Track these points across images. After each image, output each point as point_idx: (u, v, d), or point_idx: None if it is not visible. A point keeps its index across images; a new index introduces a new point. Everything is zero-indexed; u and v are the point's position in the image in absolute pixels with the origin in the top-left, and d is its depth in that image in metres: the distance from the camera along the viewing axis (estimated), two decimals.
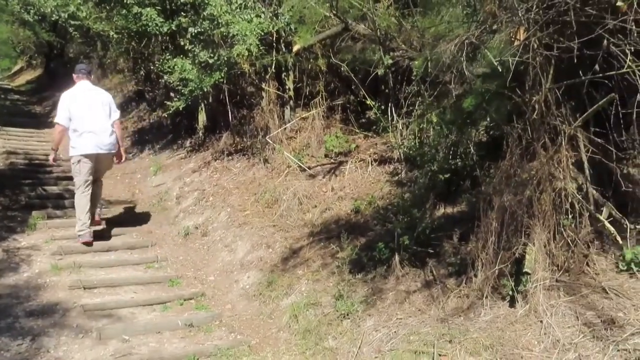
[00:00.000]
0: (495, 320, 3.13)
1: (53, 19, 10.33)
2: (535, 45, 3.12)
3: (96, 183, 5.48)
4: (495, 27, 3.53)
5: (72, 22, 8.89)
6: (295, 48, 5.73)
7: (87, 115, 5.18)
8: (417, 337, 3.23)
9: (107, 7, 7.40)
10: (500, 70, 3.35)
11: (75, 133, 5.18)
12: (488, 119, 4.13)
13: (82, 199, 5.22)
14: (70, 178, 7.31)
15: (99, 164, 5.35)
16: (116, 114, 5.48)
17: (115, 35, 7.64)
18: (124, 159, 5.75)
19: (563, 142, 3.16)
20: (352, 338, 3.48)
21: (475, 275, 3.37)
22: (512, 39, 3.52)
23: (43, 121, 12.36)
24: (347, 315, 3.66)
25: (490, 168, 3.94)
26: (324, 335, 3.61)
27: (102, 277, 4.84)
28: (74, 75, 5.47)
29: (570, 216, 3.17)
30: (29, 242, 5.47)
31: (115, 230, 5.97)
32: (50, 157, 5.64)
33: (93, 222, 5.44)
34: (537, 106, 3.17)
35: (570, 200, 3.15)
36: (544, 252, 3.17)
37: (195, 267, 5.19)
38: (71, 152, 5.23)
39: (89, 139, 5.16)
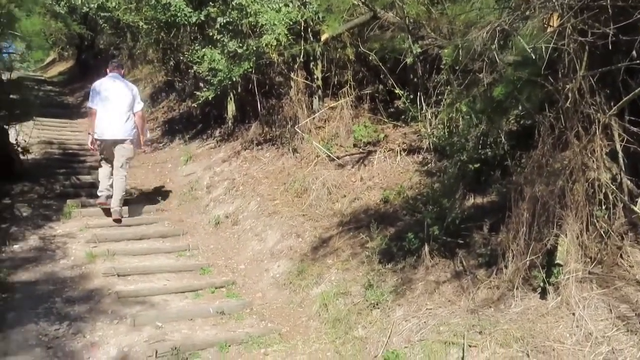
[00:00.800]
0: (526, 312, 3.10)
1: (83, 11, 10.56)
2: (570, 32, 3.03)
3: (118, 172, 5.79)
4: (527, 13, 3.44)
5: (102, 14, 9.08)
6: (324, 37, 5.70)
7: (108, 103, 5.70)
8: (446, 328, 3.23)
9: None
10: (532, 57, 3.27)
11: (98, 117, 5.71)
12: (519, 108, 4.05)
13: (102, 170, 5.97)
14: None
15: (114, 149, 5.78)
16: (139, 105, 5.90)
17: (144, 26, 7.75)
18: (142, 147, 6.18)
19: (597, 131, 3.08)
20: (382, 328, 3.49)
21: (506, 267, 3.34)
22: (545, 26, 3.43)
23: (75, 111, 12.68)
24: (377, 304, 3.68)
25: (521, 158, 3.87)
26: (353, 325, 3.64)
27: (136, 264, 4.98)
28: (108, 68, 6.01)
29: (603, 207, 3.10)
30: (64, 230, 5.65)
31: (147, 219, 6.12)
32: (88, 141, 6.02)
33: (114, 217, 5.83)
34: (570, 94, 3.10)
35: (604, 190, 3.08)
36: (577, 243, 3.12)
37: (225, 256, 5.28)
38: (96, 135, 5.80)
39: (105, 126, 5.69)
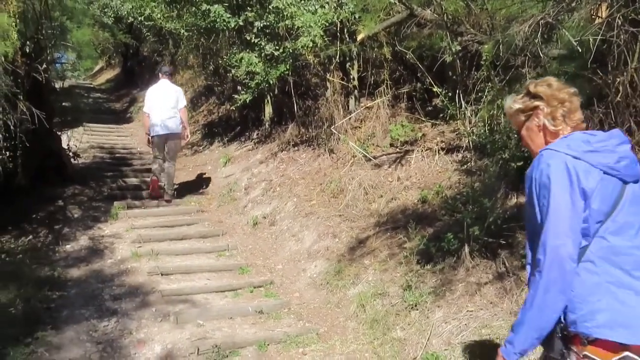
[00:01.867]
0: None
1: (129, 21, 10.97)
2: (620, 22, 2.90)
3: (169, 162, 6.72)
4: (573, 4, 3.32)
5: (146, 23, 9.39)
6: (360, 37, 5.68)
7: (159, 106, 6.57)
8: (489, 331, 3.15)
9: (178, 6, 7.71)
10: (579, 50, 3.15)
11: (151, 119, 6.59)
12: None
13: (154, 164, 6.83)
14: (147, 170, 7.95)
15: (167, 142, 6.66)
16: (182, 103, 6.78)
17: (185, 33, 7.96)
18: (187, 137, 7.10)
19: None
20: (421, 329, 3.44)
21: None
22: (593, 17, 3.30)
23: (122, 117, 13.17)
24: (415, 306, 3.63)
25: None
26: (391, 326, 3.60)
27: (178, 264, 5.11)
28: (159, 74, 6.93)
29: None
30: (112, 230, 5.87)
31: (188, 219, 6.27)
32: (146, 139, 6.91)
33: (165, 197, 6.75)
34: (621, 88, 2.96)
35: None
36: None
37: (263, 256, 5.34)
38: (150, 133, 6.69)
39: (159, 124, 6.55)
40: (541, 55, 3.52)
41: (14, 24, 4.85)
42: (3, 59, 4.82)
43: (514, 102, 1.87)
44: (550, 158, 1.66)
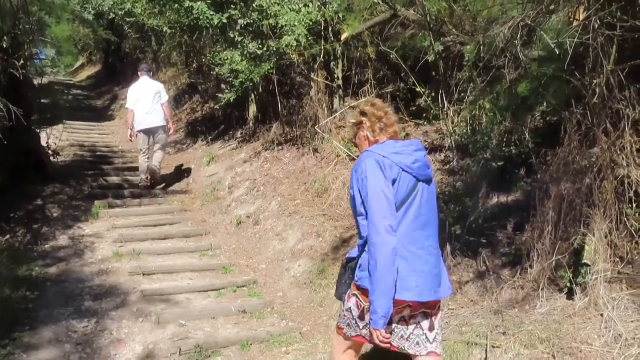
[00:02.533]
0: (551, 313, 3.03)
1: (110, 16, 10.81)
2: (596, 25, 2.95)
3: (156, 152, 7.08)
4: (552, 7, 3.37)
5: (128, 19, 9.27)
6: (344, 36, 5.70)
7: (142, 101, 6.88)
8: (469, 328, 3.18)
9: (160, 2, 7.62)
10: (557, 52, 3.20)
11: (136, 114, 6.93)
12: (544, 104, 3.97)
13: (142, 161, 7.07)
14: (129, 169, 7.88)
15: (154, 136, 7.02)
16: (164, 97, 7.12)
17: (168, 30, 7.87)
18: (172, 130, 7.45)
19: (627, 127, 2.99)
20: None
21: (531, 266, 3.27)
22: (571, 20, 3.36)
23: (103, 114, 12.98)
24: None
25: (546, 155, 3.79)
26: None
27: (160, 263, 5.06)
28: (138, 72, 7.23)
29: (634, 205, 3.00)
30: (92, 229, 5.79)
31: (171, 219, 6.22)
32: (128, 134, 7.24)
33: (148, 183, 7.08)
34: (598, 89, 3.01)
35: (634, 188, 2.98)
36: (605, 242, 3.03)
37: (247, 255, 5.32)
38: (135, 128, 7.01)
39: (143, 119, 6.89)
40: (521, 56, 3.57)
41: None
42: None
43: (351, 118, 2.45)
44: (367, 157, 2.20)
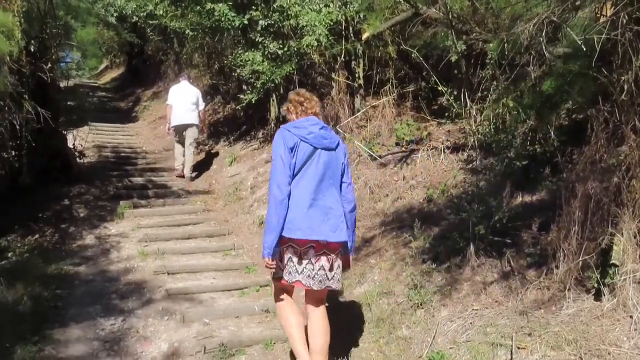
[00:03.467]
0: (579, 314, 2.98)
1: (133, 20, 11.00)
2: (625, 21, 2.89)
3: (188, 148, 7.84)
4: (578, 3, 3.31)
5: (150, 22, 9.40)
6: (365, 36, 5.68)
7: (179, 101, 7.83)
8: (494, 329, 3.15)
9: (182, 5, 7.73)
10: (584, 49, 3.14)
11: (173, 111, 7.85)
12: (570, 102, 3.90)
13: (176, 149, 8.04)
14: (153, 170, 8.03)
15: (186, 131, 7.85)
16: (202, 105, 8.08)
17: (190, 32, 7.98)
18: (204, 130, 8.82)
19: None
20: (426, 328, 3.45)
21: (557, 267, 3.22)
22: (598, 15, 3.29)
23: (127, 116, 13.21)
24: (421, 305, 3.63)
25: (572, 154, 3.73)
26: (397, 325, 3.61)
27: (184, 263, 5.13)
28: (180, 77, 8.34)
29: None
30: (118, 229, 5.91)
31: (194, 219, 6.30)
32: (166, 128, 8.26)
33: (181, 173, 7.93)
34: (626, 86, 2.95)
35: None
36: (634, 242, 2.96)
37: None
38: (170, 123, 7.97)
39: (177, 116, 7.82)
40: (546, 53, 3.51)
41: (18, 23, 4.88)
42: (8, 58, 4.85)
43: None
44: (278, 132, 2.97)
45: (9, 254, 5.26)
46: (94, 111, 11.75)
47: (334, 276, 2.98)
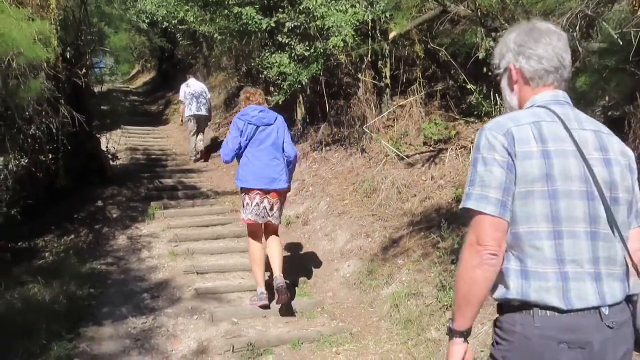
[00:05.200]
0: None
1: (164, 25, 11.24)
2: None
3: (201, 134, 9.23)
4: None
5: (180, 27, 9.58)
6: (391, 35, 5.63)
7: (192, 95, 9.06)
8: None
9: (211, 10, 7.84)
10: (620, 43, 3.04)
11: (188, 105, 9.11)
12: (606, 99, 3.78)
13: (192, 138, 9.19)
14: (182, 171, 8.15)
15: (200, 120, 9.11)
16: (208, 95, 9.41)
17: (218, 36, 8.08)
18: (211, 120, 9.97)
19: None
20: None
21: None
22: (635, 8, 3.18)
23: (157, 119, 13.47)
24: (450, 306, 3.57)
25: None
26: (426, 326, 3.56)
27: (212, 263, 5.19)
28: (187, 75, 9.75)
29: None
30: (149, 230, 6.02)
31: (222, 219, 6.37)
32: (184, 118, 9.47)
33: (200, 156, 9.16)
34: None
35: None
36: None
37: (296, 256, 5.36)
38: (186, 114, 9.27)
39: (194, 108, 9.04)
40: (580, 49, 3.41)
41: (55, 30, 5.04)
42: (45, 64, 5.01)
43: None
44: (234, 119, 4.25)
45: (46, 254, 5.43)
46: (126, 115, 12.02)
47: (273, 214, 4.14)
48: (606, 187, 1.40)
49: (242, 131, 4.07)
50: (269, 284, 4.23)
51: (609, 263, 1.39)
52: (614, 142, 1.48)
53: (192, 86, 9.14)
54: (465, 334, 1.49)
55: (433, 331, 3.50)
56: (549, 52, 1.48)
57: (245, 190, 4.10)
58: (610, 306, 1.35)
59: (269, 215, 4.11)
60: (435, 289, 3.80)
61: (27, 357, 3.46)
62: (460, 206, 1.45)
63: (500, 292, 1.43)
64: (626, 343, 1.40)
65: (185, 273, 4.88)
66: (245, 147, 4.11)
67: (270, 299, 4.15)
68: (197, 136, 9.11)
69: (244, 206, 4.14)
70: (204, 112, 9.13)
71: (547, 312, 1.33)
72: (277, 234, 4.27)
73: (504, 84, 1.61)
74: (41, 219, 5.97)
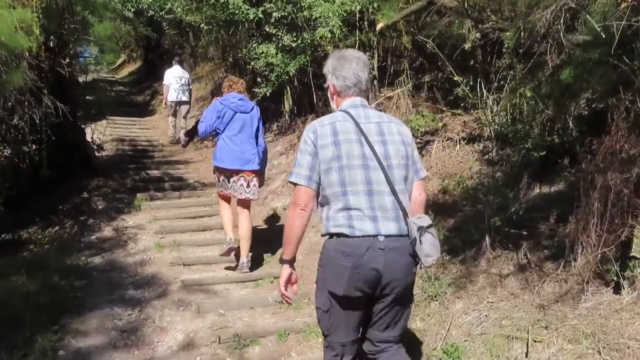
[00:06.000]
0: (597, 308, 2.93)
1: (149, 14, 11.09)
2: None
3: (181, 120, 9.73)
4: None
5: (166, 16, 9.46)
6: (379, 26, 5.62)
7: (174, 82, 9.58)
8: (509, 322, 3.12)
9: None
10: (604, 36, 3.06)
11: (170, 90, 9.64)
12: (590, 91, 3.81)
13: (170, 120, 9.88)
14: (169, 162, 8.08)
15: (180, 107, 9.69)
16: (190, 85, 9.96)
17: (205, 26, 7.99)
18: (190, 105, 10.15)
19: None
20: (441, 320, 3.42)
21: (575, 259, 3.17)
22: (619, 1, 3.20)
23: (144, 110, 13.34)
24: (435, 297, 3.61)
25: (592, 144, 3.63)
26: (411, 317, 3.58)
27: (199, 254, 5.18)
28: (173, 62, 9.98)
29: None
30: (135, 221, 5.98)
31: (209, 211, 6.34)
32: (163, 103, 10.25)
33: (177, 141, 9.76)
34: None
35: None
36: None
37: (279, 247, 5.36)
38: (168, 100, 9.79)
39: (174, 94, 9.59)
40: (564, 42, 3.43)
41: (37, 19, 4.94)
42: (27, 54, 4.93)
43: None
44: (213, 101, 4.82)
45: (30, 246, 5.37)
46: (112, 105, 11.89)
47: (250, 190, 4.70)
48: (383, 159, 2.22)
49: (220, 115, 4.61)
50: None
51: (382, 209, 2.19)
52: (392, 127, 2.31)
53: (174, 72, 9.68)
54: (290, 262, 2.36)
55: (418, 321, 3.53)
56: (349, 74, 2.32)
57: (220, 170, 4.67)
58: (386, 236, 2.17)
59: (246, 192, 4.68)
60: (421, 280, 3.82)
61: (11, 349, 3.43)
62: (287, 180, 2.59)
63: (322, 230, 2.32)
64: (400, 263, 2.20)
65: (172, 265, 4.86)
66: (223, 131, 4.63)
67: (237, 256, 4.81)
68: (174, 120, 9.85)
69: (219, 181, 4.77)
70: (184, 98, 9.71)
71: (340, 238, 2.20)
72: (249, 208, 4.81)
73: (328, 94, 2.46)
74: (25, 211, 5.90)
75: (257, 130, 4.74)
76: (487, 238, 3.70)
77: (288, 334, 3.72)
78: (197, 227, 5.85)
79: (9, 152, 5.30)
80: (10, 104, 5.08)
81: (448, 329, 3.32)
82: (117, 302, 4.24)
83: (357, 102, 2.33)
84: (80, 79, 7.90)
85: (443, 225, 4.23)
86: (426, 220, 2.24)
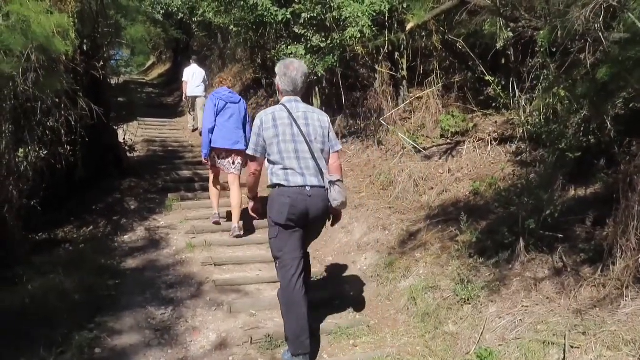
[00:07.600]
0: (637, 314, 2.84)
1: (179, 17, 11.30)
2: None
3: (199, 113, 10.20)
4: None
5: (195, 19, 9.59)
6: (409, 26, 5.56)
7: (192, 78, 10.54)
8: (545, 327, 3.05)
9: (226, 1, 7.83)
10: None
11: (189, 87, 10.59)
12: (628, 90, 3.69)
13: (189, 115, 11.23)
14: (199, 163, 8.19)
15: (196, 100, 10.58)
16: (207, 80, 10.82)
17: (234, 28, 8.07)
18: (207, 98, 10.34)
19: None
20: (474, 324, 3.38)
21: (614, 263, 3.08)
22: None
23: (173, 111, 13.55)
24: (468, 300, 3.56)
25: (630, 145, 3.54)
26: (443, 320, 3.55)
27: (230, 255, 5.23)
28: (190, 60, 11.03)
29: None
30: (167, 221, 6.08)
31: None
32: (183, 97, 11.28)
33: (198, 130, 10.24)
34: None
35: None
36: None
37: (313, 248, 5.34)
38: (187, 94, 10.84)
39: (193, 89, 10.52)
40: (602, 39, 3.34)
41: (72, 23, 5.07)
42: (64, 57, 5.06)
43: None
44: (209, 96, 5.82)
45: (66, 245, 5.52)
46: (143, 106, 12.13)
47: (235, 167, 5.60)
48: (307, 136, 3.29)
49: (216, 104, 5.49)
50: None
51: (307, 169, 3.27)
52: (315, 116, 3.40)
53: (192, 70, 10.63)
54: (254, 198, 3.74)
55: (451, 325, 3.49)
56: (290, 78, 3.35)
57: (214, 149, 5.54)
58: (311, 187, 3.26)
59: (231, 168, 5.60)
60: (453, 283, 3.78)
61: (49, 346, 3.53)
62: (246, 152, 3.48)
63: (268, 182, 3.35)
64: (319, 204, 3.29)
65: (203, 265, 4.92)
66: (217, 116, 5.52)
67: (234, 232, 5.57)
68: (193, 112, 10.78)
69: (211, 159, 5.62)
70: (197, 93, 10.58)
71: (281, 187, 3.27)
72: (237, 182, 5.64)
73: (276, 89, 3.49)
74: (60, 210, 6.06)
75: (245, 118, 5.63)
76: (521, 241, 3.63)
77: (319, 336, 3.72)
78: (227, 228, 5.90)
79: (45, 153, 5.45)
80: (46, 106, 5.23)
81: (482, 333, 3.27)
82: (150, 301, 4.31)
83: (292, 99, 3.38)
84: (113, 81, 8.08)
85: (475, 228, 4.17)
86: (335, 177, 3.28)
